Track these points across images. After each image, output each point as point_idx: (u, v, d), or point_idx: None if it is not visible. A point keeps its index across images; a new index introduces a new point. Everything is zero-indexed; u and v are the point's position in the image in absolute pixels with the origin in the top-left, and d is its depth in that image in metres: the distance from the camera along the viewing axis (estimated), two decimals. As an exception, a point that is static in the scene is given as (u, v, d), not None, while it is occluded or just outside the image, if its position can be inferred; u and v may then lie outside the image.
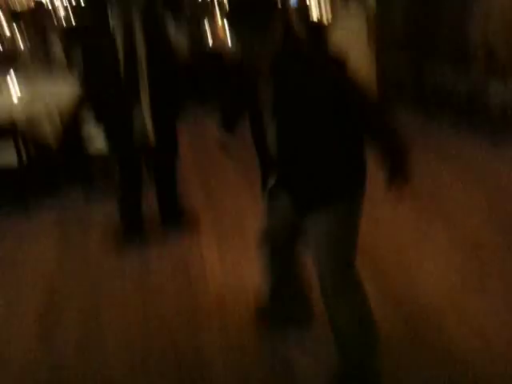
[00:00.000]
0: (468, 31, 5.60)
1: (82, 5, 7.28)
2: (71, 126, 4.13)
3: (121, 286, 3.08)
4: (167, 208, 3.62)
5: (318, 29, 6.11)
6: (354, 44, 5.68)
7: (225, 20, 7.07)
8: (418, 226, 3.59)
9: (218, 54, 6.66)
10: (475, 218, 3.67)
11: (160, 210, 3.63)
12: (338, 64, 1.94)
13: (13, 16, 7.47)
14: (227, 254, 3.35)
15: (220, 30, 7.15)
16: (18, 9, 7.65)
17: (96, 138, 4.03)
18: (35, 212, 4.07)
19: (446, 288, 2.90)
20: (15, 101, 4.47)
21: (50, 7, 7.80)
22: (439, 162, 4.71)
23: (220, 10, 7.92)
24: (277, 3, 2.01)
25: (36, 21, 7.39)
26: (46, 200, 4.24)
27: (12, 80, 4.72)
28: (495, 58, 5.25)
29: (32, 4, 7.68)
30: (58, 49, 6.96)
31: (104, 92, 3.14)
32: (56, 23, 7.68)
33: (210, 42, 7.06)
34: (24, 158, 3.94)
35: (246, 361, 2.42)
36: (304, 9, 7.01)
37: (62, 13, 7.83)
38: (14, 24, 7.47)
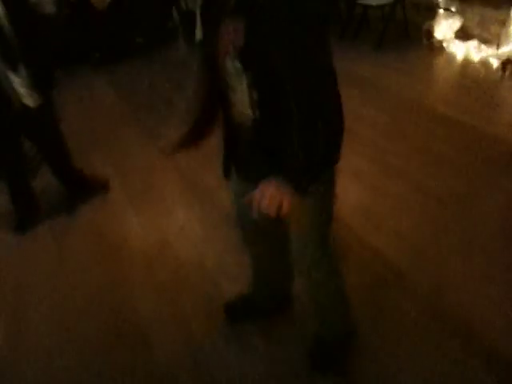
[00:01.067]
0: None
1: None
2: None
3: (41, 274, 2.94)
4: (65, 178, 3.42)
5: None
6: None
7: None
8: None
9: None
10: (375, 126, 3.82)
11: (61, 182, 3.43)
12: None
13: None
14: (143, 213, 3.28)
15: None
16: None
17: None
18: None
19: (363, 200, 3.05)
20: None
21: None
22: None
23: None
24: None
25: None
26: None
27: None
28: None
29: None
30: None
31: None
32: None
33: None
34: None
35: (178, 318, 2.43)
36: None
37: None
38: None
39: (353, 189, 3.11)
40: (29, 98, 2.92)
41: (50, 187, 3.46)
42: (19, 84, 2.86)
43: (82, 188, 3.47)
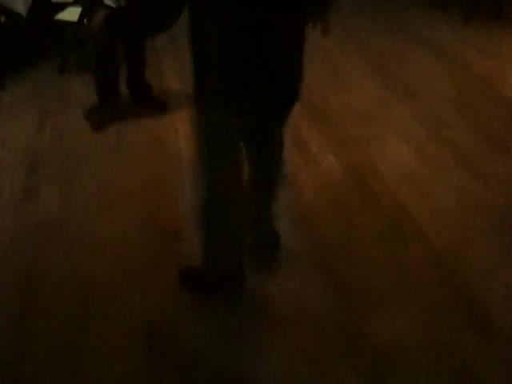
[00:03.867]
0: None
1: None
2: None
3: (98, 157, 3.23)
4: (137, 85, 3.75)
5: None
6: None
7: None
8: (383, 103, 3.78)
9: None
10: (440, 97, 3.85)
11: (130, 89, 3.76)
12: None
13: None
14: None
15: None
16: None
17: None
18: (12, 84, 4.10)
19: (404, 161, 3.15)
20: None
21: None
22: (410, 40, 4.81)
23: None
24: None
25: None
26: (21, 72, 4.27)
27: None
28: None
29: None
30: None
31: None
32: None
33: None
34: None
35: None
36: None
37: None
38: None
39: (399, 149, 3.23)
40: None
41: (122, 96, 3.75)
42: None
43: (144, 100, 3.76)
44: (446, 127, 3.46)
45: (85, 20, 3.59)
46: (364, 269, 2.38)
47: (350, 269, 2.38)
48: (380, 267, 2.39)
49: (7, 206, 2.81)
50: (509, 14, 5.18)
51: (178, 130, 3.48)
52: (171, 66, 4.36)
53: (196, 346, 2.05)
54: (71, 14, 3.97)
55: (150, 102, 3.76)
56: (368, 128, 3.45)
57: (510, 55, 4.66)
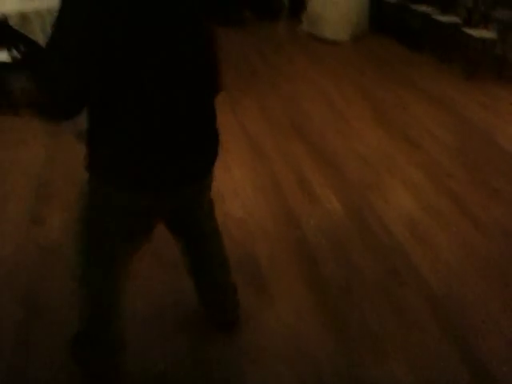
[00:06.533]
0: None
1: None
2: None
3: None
4: None
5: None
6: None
7: None
8: (385, 149, 3.88)
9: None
10: (441, 147, 3.95)
11: None
12: None
13: None
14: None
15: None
16: None
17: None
18: (26, 111, 4.16)
19: (405, 207, 3.22)
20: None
21: None
22: (414, 92, 4.96)
23: None
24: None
25: None
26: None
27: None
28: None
29: None
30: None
31: None
32: None
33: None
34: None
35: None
36: None
37: None
38: None
39: (400, 195, 3.30)
40: None
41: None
42: None
43: None
44: (446, 176, 3.54)
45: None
46: (363, 310, 2.40)
47: (349, 310, 2.40)
48: (379, 309, 2.41)
49: (13, 231, 2.84)
50: (509, 73, 5.37)
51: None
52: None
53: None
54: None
55: None
56: (370, 173, 3.53)
57: (509, 111, 4.82)
